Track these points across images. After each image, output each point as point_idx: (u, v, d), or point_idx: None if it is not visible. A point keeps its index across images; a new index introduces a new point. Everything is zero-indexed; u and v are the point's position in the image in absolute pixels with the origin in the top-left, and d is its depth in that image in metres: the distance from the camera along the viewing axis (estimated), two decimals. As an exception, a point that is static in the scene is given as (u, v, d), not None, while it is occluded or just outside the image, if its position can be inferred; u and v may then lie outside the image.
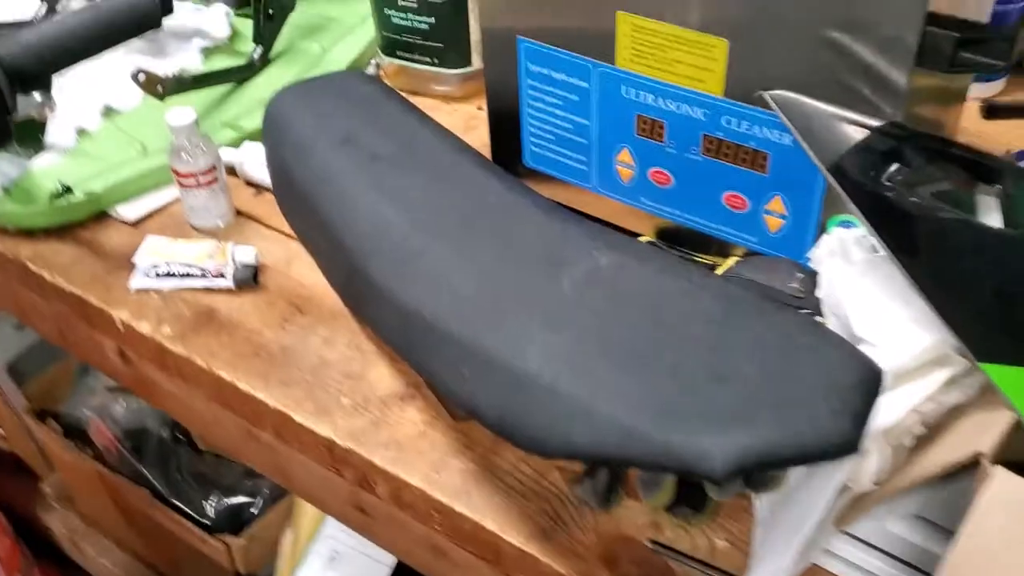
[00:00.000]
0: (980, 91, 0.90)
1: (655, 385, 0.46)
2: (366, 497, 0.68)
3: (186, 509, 1.17)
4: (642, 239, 0.77)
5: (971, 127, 0.83)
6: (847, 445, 0.42)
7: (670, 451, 0.42)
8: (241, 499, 1.17)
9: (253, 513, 1.17)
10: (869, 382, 0.44)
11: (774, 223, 0.69)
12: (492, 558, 0.60)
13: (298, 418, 0.67)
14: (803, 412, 0.42)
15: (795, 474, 0.56)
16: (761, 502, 0.58)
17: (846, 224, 0.65)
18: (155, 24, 0.73)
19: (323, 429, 0.66)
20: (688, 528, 0.58)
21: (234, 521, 1.16)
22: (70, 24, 0.68)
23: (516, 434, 0.49)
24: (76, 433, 1.28)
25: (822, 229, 0.67)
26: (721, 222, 0.72)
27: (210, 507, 1.16)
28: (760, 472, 0.45)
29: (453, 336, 0.56)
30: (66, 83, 0.97)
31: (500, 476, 0.62)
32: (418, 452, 0.64)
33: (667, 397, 0.45)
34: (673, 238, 0.76)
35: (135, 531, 1.32)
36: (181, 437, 1.23)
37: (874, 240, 0.61)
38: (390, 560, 1.07)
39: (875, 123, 0.59)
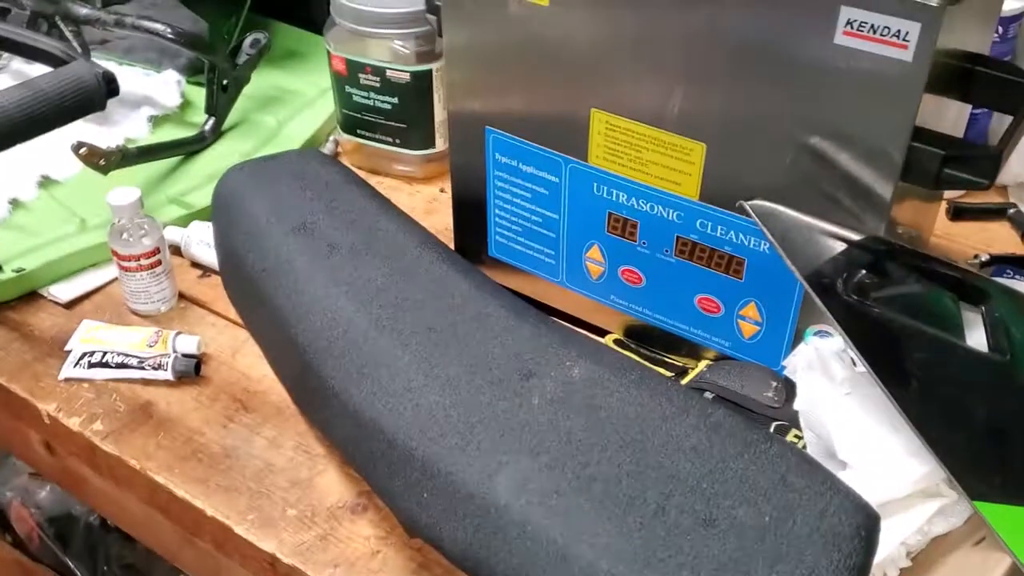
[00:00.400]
0: (946, 193, 0.90)
1: (638, 528, 0.42)
2: (311, 618, 0.63)
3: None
4: (610, 337, 0.74)
5: (938, 228, 0.83)
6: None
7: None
8: (173, 594, 1.09)
9: (185, 610, 1.09)
10: (868, 530, 0.41)
11: (748, 329, 0.67)
12: None
13: (239, 530, 0.62)
14: (801, 566, 0.39)
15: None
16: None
17: (823, 334, 0.63)
18: (99, 107, 0.69)
19: (266, 543, 0.61)
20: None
21: (164, 619, 1.08)
22: (3, 105, 0.63)
23: (483, 572, 0.45)
24: (-5, 517, 1.19)
25: (798, 337, 0.65)
26: (693, 324, 0.69)
27: (139, 603, 1.08)
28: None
29: (415, 455, 0.52)
30: None
31: (459, 601, 0.57)
32: (369, 572, 0.59)
33: (651, 543, 0.41)
34: (642, 337, 0.73)
35: (55, 624, 1.23)
36: (111, 524, 1.15)
37: (855, 356, 0.58)
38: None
39: (855, 236, 0.57)
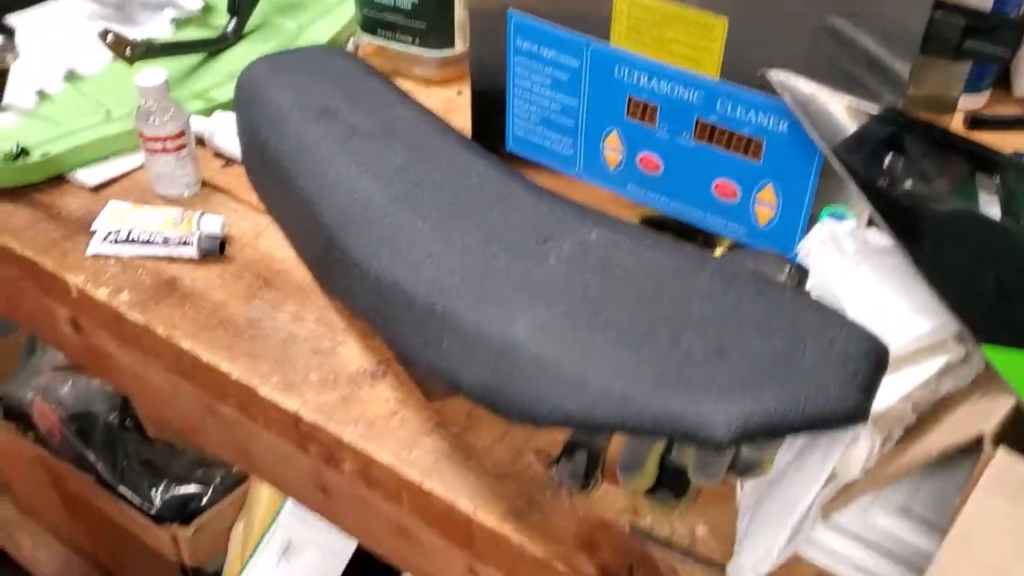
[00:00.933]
0: (965, 103, 0.90)
1: (652, 357, 0.44)
2: (330, 476, 0.65)
3: (132, 497, 1.12)
4: (625, 227, 0.75)
5: (954, 134, 0.83)
6: (856, 413, 0.40)
7: (669, 416, 0.40)
8: (191, 489, 1.12)
9: (203, 503, 1.12)
10: (877, 356, 0.43)
11: (764, 214, 0.68)
12: (463, 540, 0.57)
13: (264, 391, 0.64)
14: (811, 381, 0.40)
15: (780, 460, 0.54)
16: (744, 489, 0.56)
17: (837, 216, 0.64)
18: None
19: (290, 403, 0.63)
20: (668, 514, 0.55)
21: (182, 511, 1.11)
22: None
23: (501, 403, 0.47)
24: (18, 416, 1.22)
25: (812, 224, 0.66)
26: (709, 211, 0.70)
27: (157, 496, 1.11)
28: (764, 440, 0.43)
29: (434, 310, 0.54)
30: (27, 44, 0.93)
31: (474, 456, 0.59)
32: (389, 430, 0.61)
33: (665, 367, 0.43)
34: (658, 228, 0.74)
35: (76, 520, 1.26)
36: (129, 423, 1.18)
37: (869, 233, 0.60)
38: (346, 552, 1.03)
39: (874, 109, 0.58)
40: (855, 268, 0.57)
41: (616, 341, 0.46)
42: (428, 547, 0.62)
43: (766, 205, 0.68)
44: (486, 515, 0.56)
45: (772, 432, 0.40)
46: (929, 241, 0.52)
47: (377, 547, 0.68)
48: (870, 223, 0.63)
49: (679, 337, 0.45)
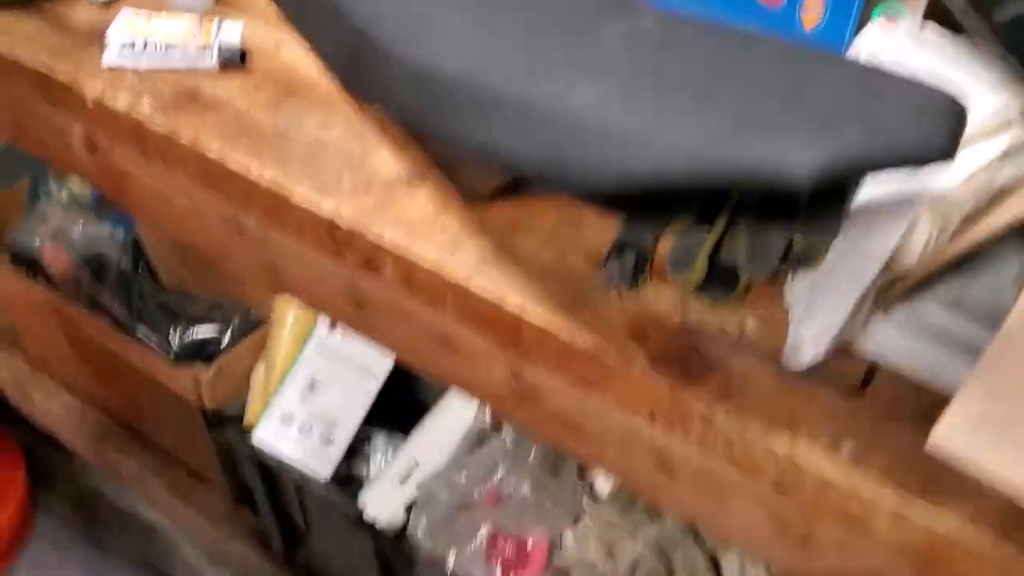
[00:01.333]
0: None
1: (721, 111, 0.42)
2: (367, 286, 0.64)
3: (149, 340, 1.11)
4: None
5: None
6: (944, 150, 0.38)
7: (747, 163, 0.38)
8: (208, 332, 1.12)
9: (221, 346, 1.12)
10: (956, 109, 0.41)
11: (810, 19, 0.65)
12: (509, 340, 0.57)
13: (296, 197, 0.62)
14: (895, 122, 0.38)
15: (832, 254, 0.53)
16: (795, 285, 0.55)
17: (892, 14, 0.62)
18: None
19: (324, 208, 0.61)
20: (718, 309, 0.55)
21: (200, 354, 1.11)
22: None
23: (564, 172, 0.45)
24: (26, 264, 1.20)
25: (861, 28, 0.63)
26: (752, 20, 0.67)
27: (175, 338, 1.10)
28: (851, 178, 0.41)
29: (482, 89, 0.51)
30: None
31: (520, 259, 0.58)
32: (430, 233, 0.59)
33: (736, 118, 0.41)
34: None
35: (89, 369, 1.26)
36: (142, 268, 1.16)
37: (927, 30, 0.57)
38: (372, 387, 1.04)
39: None
40: (915, 51, 0.55)
41: (682, 101, 0.43)
42: (470, 353, 0.61)
43: (812, 9, 0.65)
44: (534, 311, 0.55)
45: (858, 171, 0.38)
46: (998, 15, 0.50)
47: (415, 360, 0.68)
48: (925, 18, 0.61)
49: (749, 93, 0.43)
